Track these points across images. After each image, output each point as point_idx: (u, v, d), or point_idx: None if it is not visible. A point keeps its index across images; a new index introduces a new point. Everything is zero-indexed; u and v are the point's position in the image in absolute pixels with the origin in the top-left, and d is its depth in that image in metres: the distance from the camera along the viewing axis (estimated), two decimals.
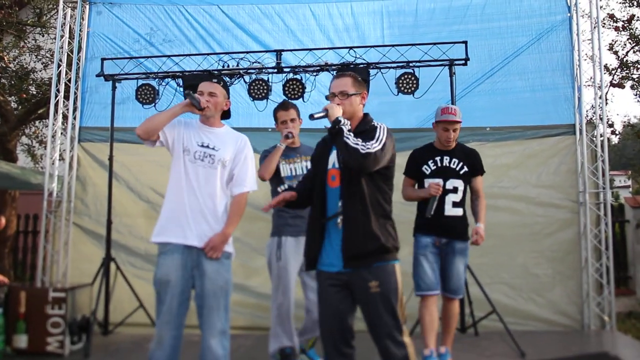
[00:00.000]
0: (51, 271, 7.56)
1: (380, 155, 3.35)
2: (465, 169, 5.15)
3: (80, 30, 8.01)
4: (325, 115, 3.47)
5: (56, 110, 7.74)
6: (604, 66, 8.55)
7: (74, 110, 7.92)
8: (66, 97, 7.95)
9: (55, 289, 6.01)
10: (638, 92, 10.71)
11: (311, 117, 3.52)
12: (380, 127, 3.50)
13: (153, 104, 7.10)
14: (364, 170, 3.35)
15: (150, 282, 4.10)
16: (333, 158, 3.53)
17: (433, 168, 5.13)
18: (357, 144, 3.30)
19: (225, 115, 4.26)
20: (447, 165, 5.13)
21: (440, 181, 5.02)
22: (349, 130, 3.40)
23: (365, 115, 3.67)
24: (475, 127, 7.43)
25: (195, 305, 3.95)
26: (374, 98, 7.03)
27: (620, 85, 10.49)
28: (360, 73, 6.63)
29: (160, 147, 4.10)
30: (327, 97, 3.67)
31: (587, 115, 8.04)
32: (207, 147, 4.01)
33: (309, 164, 4.90)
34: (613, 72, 10.56)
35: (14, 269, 10.70)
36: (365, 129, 3.51)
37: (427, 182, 5.08)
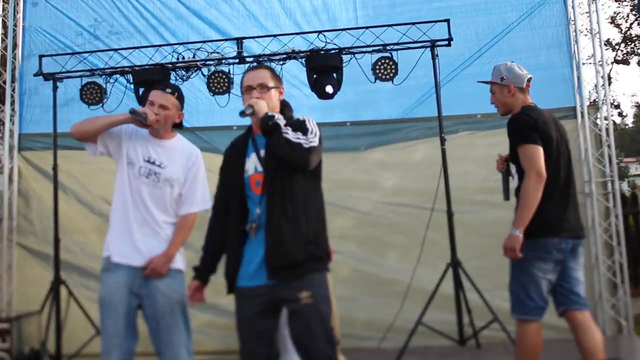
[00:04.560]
0: None
1: (320, 149, 3.41)
2: None
3: (14, 24, 7.98)
4: (251, 112, 3.39)
5: None
6: (606, 41, 8.63)
7: (12, 115, 7.89)
8: (2, 101, 7.93)
9: None
10: None
11: (242, 113, 3.42)
12: (309, 119, 3.52)
13: (100, 104, 7.09)
14: (308, 166, 3.36)
15: None
16: (253, 162, 3.50)
17: None
18: (299, 138, 3.31)
19: (177, 125, 4.23)
20: None
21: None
22: (285, 125, 3.37)
23: (282, 109, 3.64)
24: (464, 115, 7.51)
25: (148, 329, 3.95)
26: (348, 87, 7.11)
27: (624, 62, 10.57)
28: (332, 60, 6.72)
29: (103, 155, 4.12)
30: (243, 92, 3.64)
31: (589, 97, 8.14)
32: (153, 163, 4.03)
33: None
34: (616, 47, 10.64)
35: None
36: (291, 123, 3.48)
37: None
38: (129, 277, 3.90)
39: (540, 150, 4.17)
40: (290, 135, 3.32)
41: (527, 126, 4.23)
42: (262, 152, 3.47)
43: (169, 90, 4.13)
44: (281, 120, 3.36)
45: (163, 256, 3.94)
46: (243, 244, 3.46)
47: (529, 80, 4.48)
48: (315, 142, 3.36)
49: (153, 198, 3.99)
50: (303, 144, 3.31)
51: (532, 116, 4.26)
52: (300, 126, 3.44)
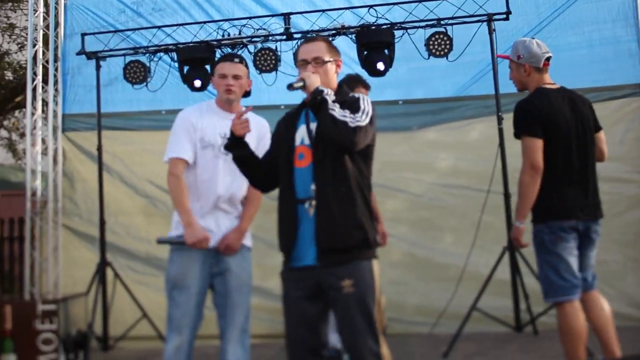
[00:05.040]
0: (40, 281, 7.67)
1: (370, 130, 3.37)
2: None
3: (56, 2, 8.08)
4: (302, 85, 3.38)
5: (34, 97, 7.83)
6: None
7: (55, 95, 8.01)
8: (45, 81, 8.01)
9: (45, 301, 6.07)
10: None
11: (290, 87, 3.38)
12: (363, 97, 3.48)
13: (144, 83, 7.20)
14: (353, 147, 3.32)
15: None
16: (301, 134, 3.49)
17: None
18: (344, 117, 3.27)
19: (246, 93, 4.32)
20: None
21: None
22: (333, 101, 3.34)
23: (340, 85, 3.64)
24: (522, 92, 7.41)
25: (215, 307, 4.09)
26: (401, 64, 7.08)
27: None
28: (383, 35, 6.68)
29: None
30: (297, 66, 3.64)
31: None
32: None
33: None
34: None
35: (0, 282, 10.72)
36: (345, 100, 3.48)
37: None
38: (202, 257, 4.00)
39: (536, 142, 4.23)
40: (337, 112, 3.28)
41: (527, 116, 4.31)
42: (313, 126, 3.44)
43: (236, 59, 4.19)
44: (330, 96, 3.33)
45: (237, 231, 4.06)
46: (296, 220, 3.41)
47: (547, 59, 4.45)
48: (362, 122, 3.30)
49: (232, 174, 4.02)
50: (349, 123, 3.26)
51: (535, 104, 4.32)
52: (352, 104, 3.41)
